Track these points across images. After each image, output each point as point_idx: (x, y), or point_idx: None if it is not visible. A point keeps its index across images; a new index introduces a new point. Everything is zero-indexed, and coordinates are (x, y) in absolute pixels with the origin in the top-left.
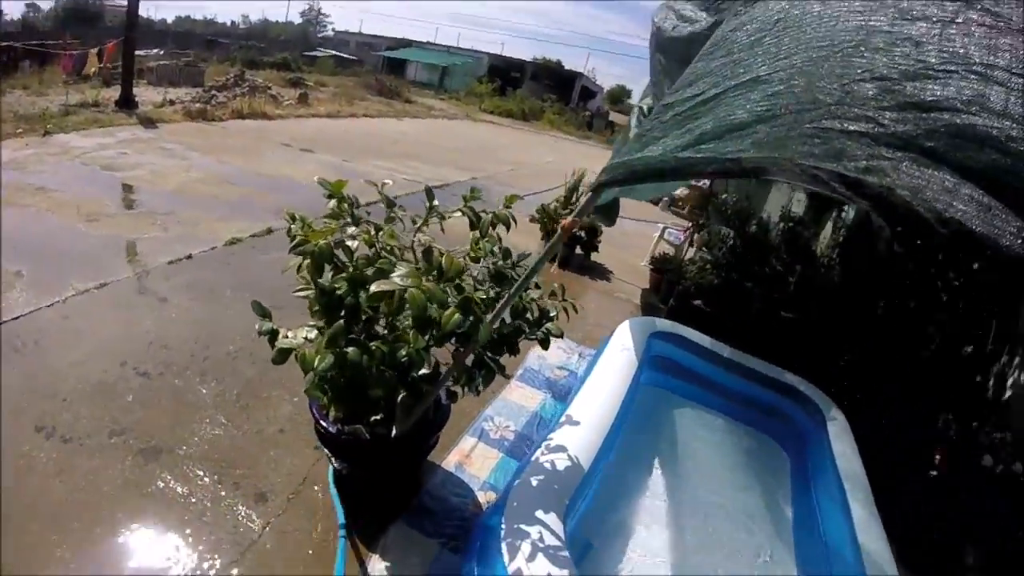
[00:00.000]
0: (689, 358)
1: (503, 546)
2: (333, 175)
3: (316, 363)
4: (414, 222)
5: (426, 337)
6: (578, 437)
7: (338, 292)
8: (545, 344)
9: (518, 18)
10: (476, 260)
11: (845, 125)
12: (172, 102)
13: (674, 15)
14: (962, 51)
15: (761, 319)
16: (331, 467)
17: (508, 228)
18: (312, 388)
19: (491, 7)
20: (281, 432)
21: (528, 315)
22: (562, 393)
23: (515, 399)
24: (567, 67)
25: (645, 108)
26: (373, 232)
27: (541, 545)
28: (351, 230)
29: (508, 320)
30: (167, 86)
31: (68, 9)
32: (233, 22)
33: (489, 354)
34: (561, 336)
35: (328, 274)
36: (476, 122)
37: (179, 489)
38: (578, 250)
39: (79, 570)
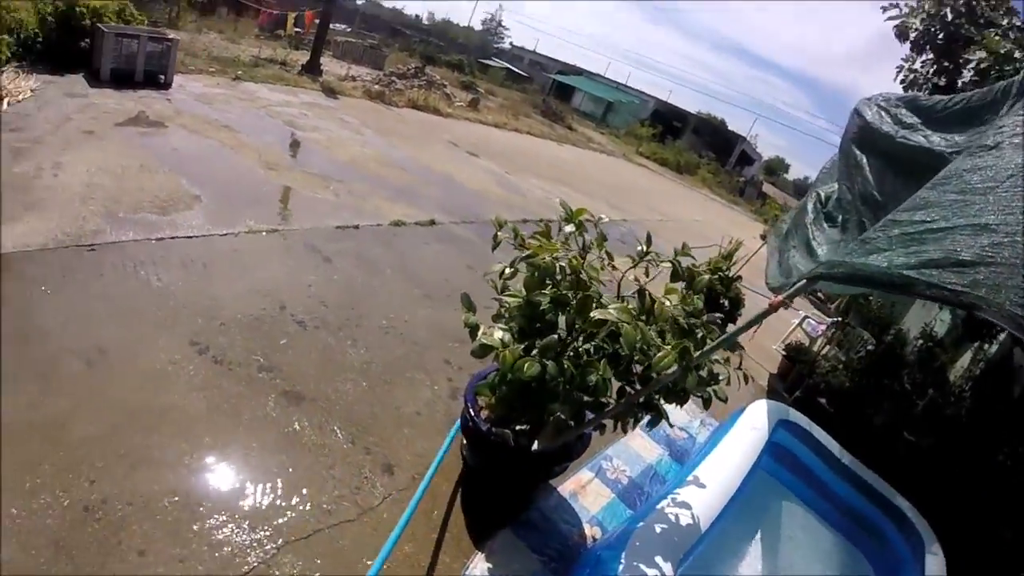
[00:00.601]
0: (809, 455)
1: None
2: (494, 183)
3: (526, 368)
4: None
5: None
6: (701, 499)
7: (543, 307)
8: (707, 404)
9: (691, 68)
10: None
11: None
12: (354, 78)
13: (889, 116)
14: None
15: (883, 434)
16: (462, 462)
17: (691, 288)
18: (487, 384)
19: (666, 52)
20: (418, 415)
21: (702, 373)
22: (678, 453)
23: (635, 447)
24: (730, 127)
25: (823, 195)
26: (579, 259)
27: None
28: (560, 252)
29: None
30: (350, 62)
31: None
32: (418, 16)
33: (660, 400)
34: (725, 400)
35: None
36: (631, 163)
37: (314, 438)
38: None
39: (201, 485)
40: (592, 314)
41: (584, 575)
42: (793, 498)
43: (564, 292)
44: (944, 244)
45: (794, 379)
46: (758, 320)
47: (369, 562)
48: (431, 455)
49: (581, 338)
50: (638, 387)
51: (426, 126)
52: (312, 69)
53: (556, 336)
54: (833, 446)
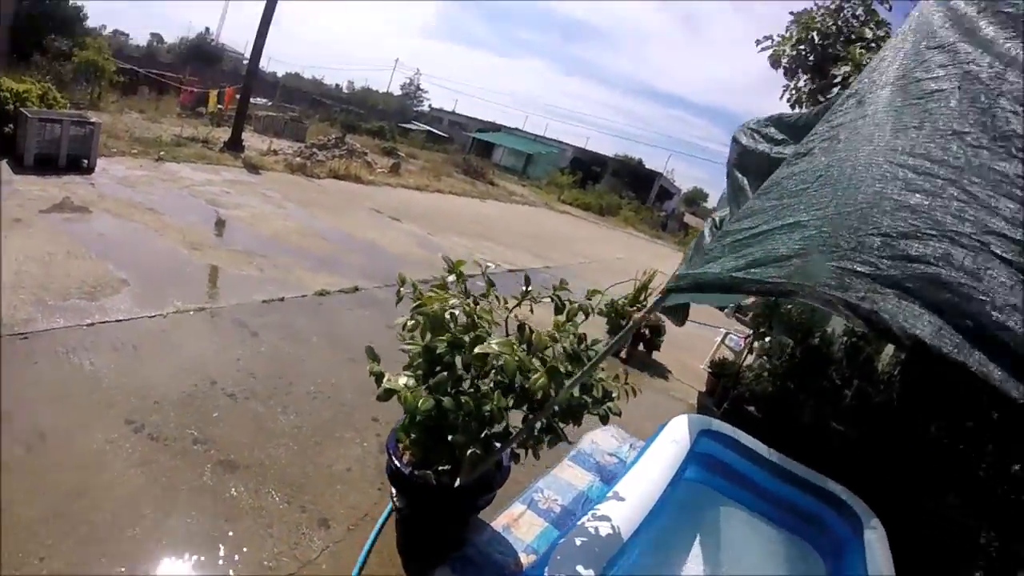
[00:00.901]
0: (736, 459)
1: None
2: (416, 245)
3: (420, 404)
4: (502, 300)
5: (508, 399)
6: (620, 512)
7: (439, 351)
8: (605, 420)
9: (607, 114)
10: (556, 340)
11: (854, 266)
12: (275, 152)
13: (761, 136)
14: (940, 219)
15: (812, 429)
16: (389, 506)
17: (587, 316)
18: (401, 428)
19: (582, 101)
20: (348, 471)
21: (594, 392)
22: (609, 478)
23: (566, 477)
24: (648, 166)
25: (718, 219)
26: (472, 305)
27: None
28: (454, 300)
29: (576, 395)
30: (272, 136)
31: (191, 47)
32: (338, 85)
33: (557, 421)
34: (619, 414)
35: (428, 335)
36: (554, 211)
37: (251, 501)
38: (641, 347)
39: (146, 554)
40: (474, 348)
41: None
42: (731, 503)
43: (460, 336)
44: (765, 245)
45: (721, 393)
46: (625, 336)
47: None
48: (364, 507)
49: (479, 375)
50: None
51: (348, 195)
52: (234, 145)
53: (446, 373)
54: (760, 448)
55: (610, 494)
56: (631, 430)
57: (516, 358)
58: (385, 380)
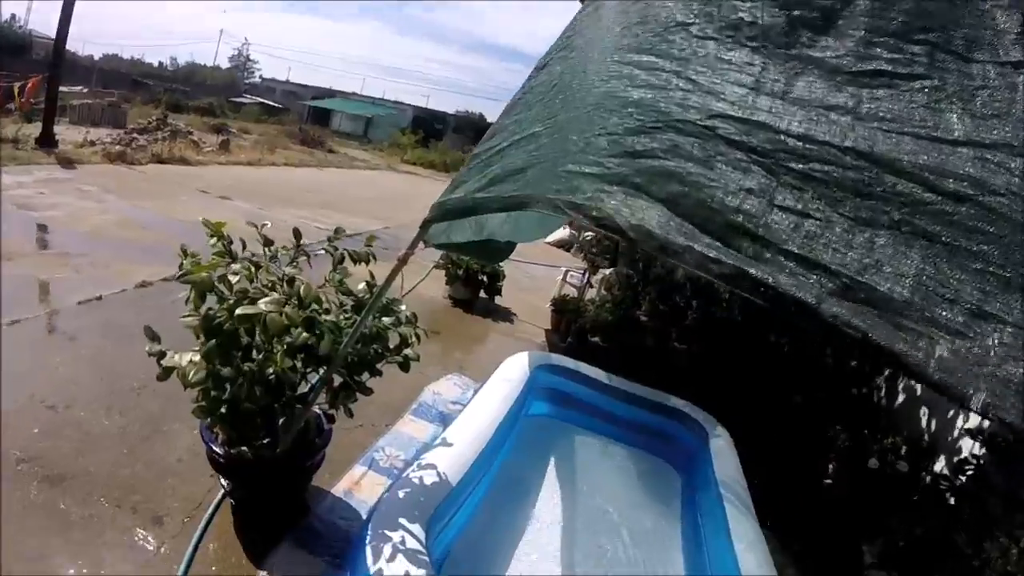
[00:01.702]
0: (578, 389)
1: (368, 550)
2: (245, 223)
3: (190, 376)
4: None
5: (297, 360)
6: (449, 457)
7: (218, 319)
8: (404, 367)
9: (446, 71)
10: (346, 293)
11: (582, 168)
12: (93, 143)
13: None
14: (665, 110)
15: (656, 351)
16: (220, 490)
17: (367, 264)
18: (197, 409)
19: (420, 60)
20: (180, 461)
21: (387, 343)
22: None
23: (408, 431)
24: (489, 120)
25: None
26: (253, 269)
27: (402, 548)
28: (235, 267)
29: (366, 346)
30: (89, 126)
31: None
32: (161, 63)
33: (355, 377)
34: (417, 359)
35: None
36: (397, 173)
37: (81, 512)
38: (482, 293)
39: None
40: (237, 311)
41: (353, 558)
42: (581, 431)
43: (239, 302)
44: (504, 161)
45: (565, 328)
46: (392, 276)
47: None
48: (199, 496)
49: (268, 340)
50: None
51: (173, 179)
52: (46, 141)
53: (217, 341)
54: (601, 375)
55: (437, 441)
56: (476, 376)
57: (284, 315)
58: (167, 358)
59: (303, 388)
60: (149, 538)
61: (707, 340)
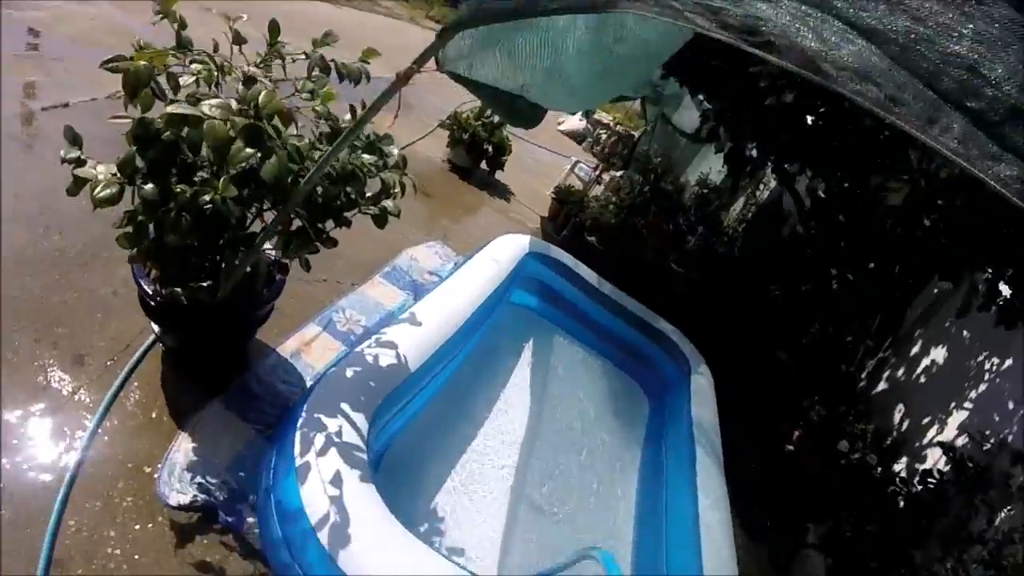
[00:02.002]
0: (565, 286)
1: (297, 436)
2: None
3: (96, 193)
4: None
5: (245, 191)
6: (413, 337)
7: (156, 125)
8: (379, 221)
9: None
10: (324, 117)
11: None
12: None
13: None
14: None
15: (653, 269)
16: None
17: (357, 83)
18: (122, 237)
19: None
20: (115, 295)
21: (363, 187)
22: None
23: (374, 295)
24: None
25: None
26: (217, 73)
27: (337, 441)
28: (196, 66)
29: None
30: None
31: None
32: None
33: (317, 224)
34: (398, 215)
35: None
36: (419, 27)
37: None
38: (483, 165)
39: None
40: (168, 108)
41: (281, 439)
42: (558, 330)
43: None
44: None
45: (563, 220)
46: (390, 94)
47: (65, 464)
48: (128, 336)
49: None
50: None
51: None
52: None
53: (136, 150)
54: (593, 278)
55: (404, 315)
56: (459, 249)
57: (231, 123)
58: (84, 168)
59: (258, 229)
60: (66, 380)
61: (705, 271)
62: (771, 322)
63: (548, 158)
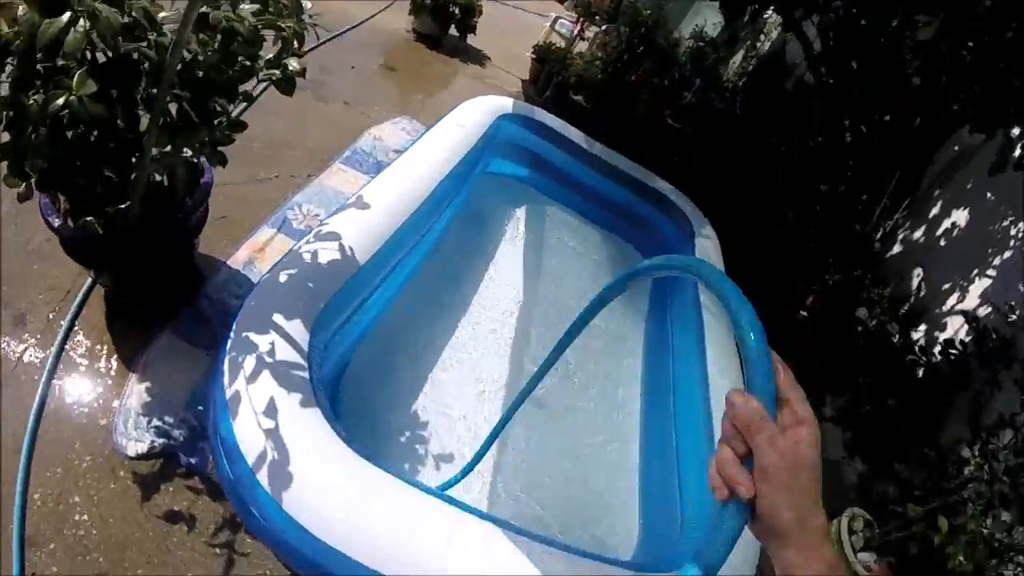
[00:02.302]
0: (550, 150)
1: (226, 361)
2: None
3: None
4: None
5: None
6: (361, 224)
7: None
8: (283, 87)
9: None
10: None
11: None
12: None
13: None
14: None
15: (646, 126)
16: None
17: None
18: (7, 173)
19: None
20: (48, 240)
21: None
22: None
23: (333, 184)
24: None
25: None
26: None
27: (270, 360)
28: None
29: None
30: None
31: None
32: None
33: (210, 103)
34: (302, 74)
35: None
36: None
37: None
38: (452, 30)
39: None
40: None
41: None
42: (544, 199)
43: None
44: None
45: (544, 81)
46: None
47: (19, 435)
48: (66, 283)
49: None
50: None
51: None
52: None
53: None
54: (579, 138)
55: (351, 200)
56: (430, 122)
57: None
58: None
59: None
60: (11, 343)
61: (703, 129)
62: (778, 181)
63: (526, 18)
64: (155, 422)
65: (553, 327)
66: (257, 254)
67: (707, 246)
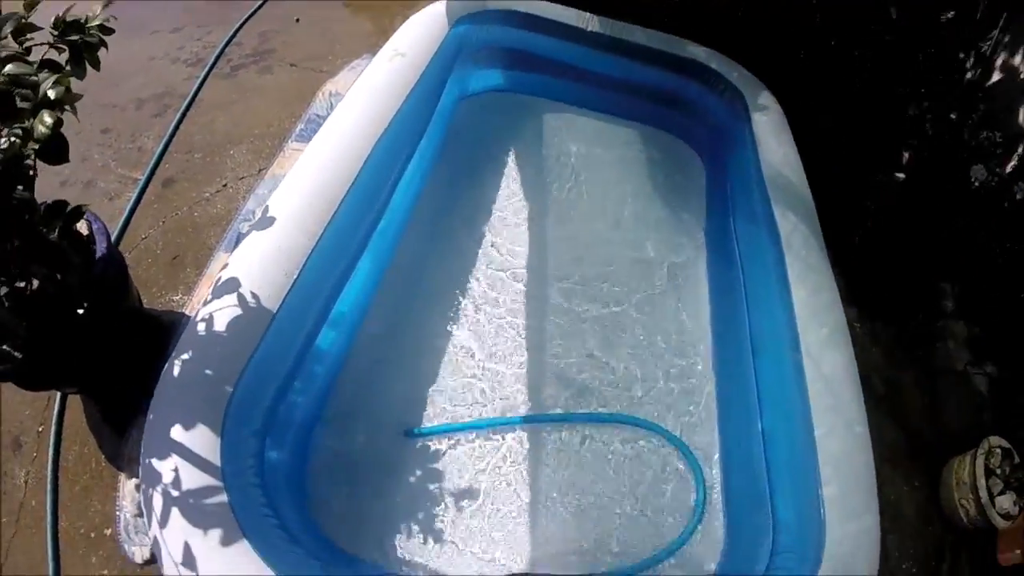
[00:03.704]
0: (541, 41)
1: (143, 462)
2: None
3: None
4: None
5: None
6: (277, 240)
7: None
8: (48, 155)
9: None
10: None
11: None
12: None
13: None
14: None
15: None
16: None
17: None
18: None
19: None
20: None
21: None
22: None
23: (288, 170)
24: None
25: None
26: None
27: (175, 495)
28: None
29: None
30: None
31: None
32: None
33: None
34: (58, 128)
35: None
36: None
37: None
38: None
39: None
40: None
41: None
42: (550, 104)
43: None
44: None
45: None
46: None
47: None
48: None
49: None
50: None
51: None
52: None
53: None
54: (571, 17)
55: (258, 213)
56: None
57: None
58: None
59: None
60: (16, 469)
61: None
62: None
63: None
64: None
65: (584, 256)
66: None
67: (769, 122)
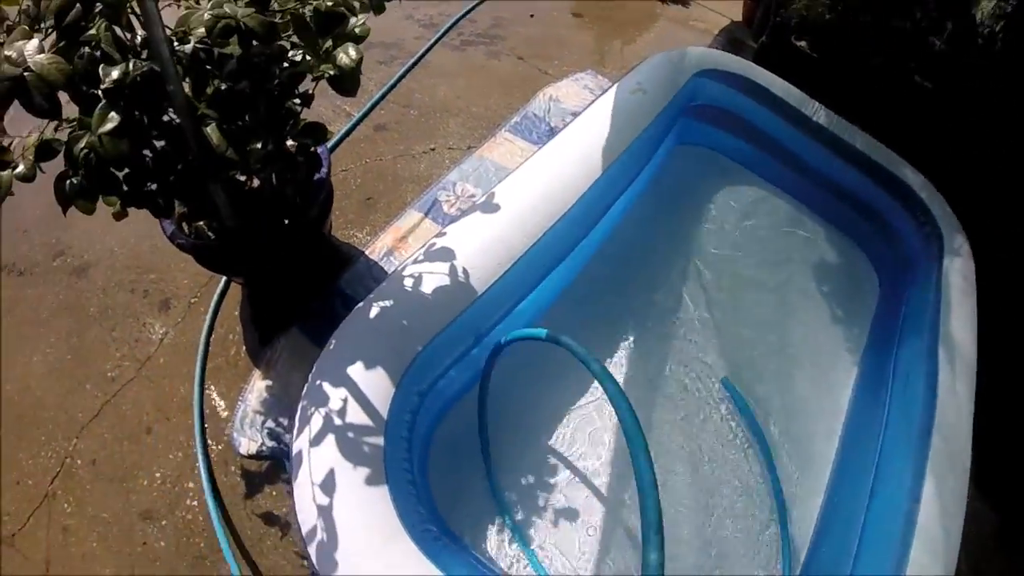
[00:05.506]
0: (766, 116)
1: (299, 413)
2: None
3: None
4: None
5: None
6: (485, 236)
7: None
8: (339, 85)
9: None
10: None
11: None
12: None
13: None
14: None
15: (882, 78)
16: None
17: None
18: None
19: None
20: None
21: None
22: None
23: (495, 157)
24: None
25: None
26: None
27: (338, 423)
28: None
29: None
30: None
31: None
32: None
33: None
34: (359, 66)
35: None
36: None
37: (99, 301)
38: None
39: None
40: None
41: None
42: (752, 177)
43: None
44: None
45: (760, 21)
46: None
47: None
48: (206, 273)
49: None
50: None
51: None
52: None
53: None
54: (800, 99)
55: (481, 200)
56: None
57: None
58: None
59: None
60: (156, 327)
61: (960, 85)
62: None
63: None
64: (269, 423)
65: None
66: (399, 243)
67: (957, 268)
